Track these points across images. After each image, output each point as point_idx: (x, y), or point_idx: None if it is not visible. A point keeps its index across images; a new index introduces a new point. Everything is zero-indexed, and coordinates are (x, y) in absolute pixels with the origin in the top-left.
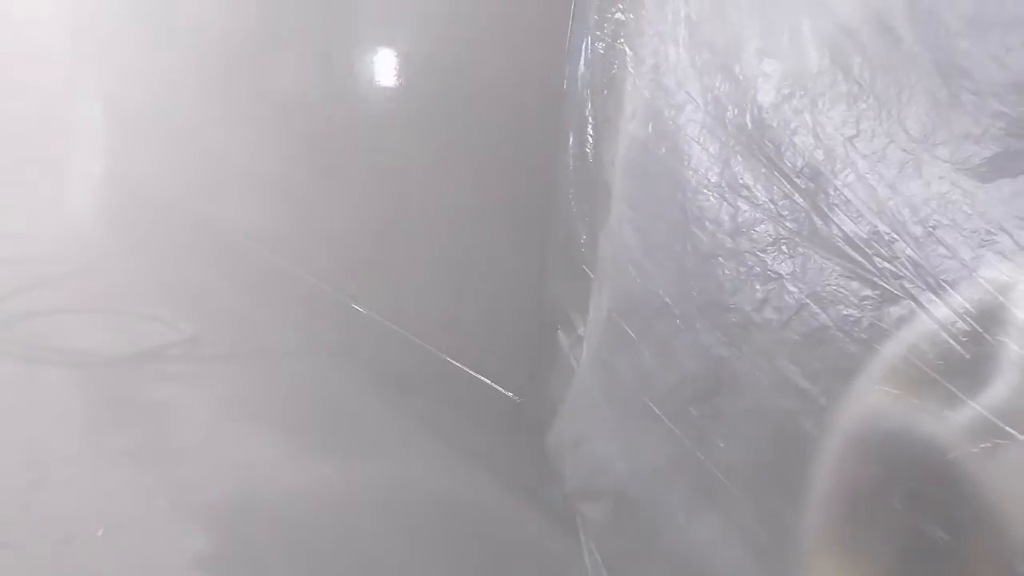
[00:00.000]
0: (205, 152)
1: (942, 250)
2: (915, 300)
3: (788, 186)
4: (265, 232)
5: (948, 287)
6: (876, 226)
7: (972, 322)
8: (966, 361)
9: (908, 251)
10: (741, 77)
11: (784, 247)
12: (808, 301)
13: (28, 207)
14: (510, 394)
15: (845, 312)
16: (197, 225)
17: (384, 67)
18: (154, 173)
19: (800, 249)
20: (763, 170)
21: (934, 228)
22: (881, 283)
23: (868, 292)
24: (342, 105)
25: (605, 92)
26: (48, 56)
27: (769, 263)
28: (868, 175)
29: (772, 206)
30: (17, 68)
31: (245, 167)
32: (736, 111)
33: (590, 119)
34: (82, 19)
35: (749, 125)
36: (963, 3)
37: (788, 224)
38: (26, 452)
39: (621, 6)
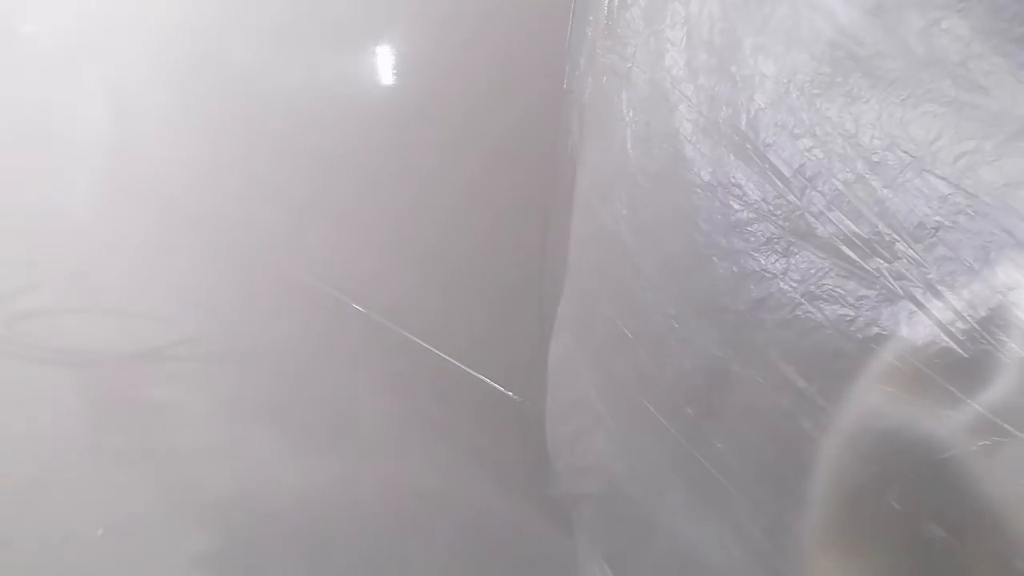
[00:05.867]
0: (206, 150)
1: (943, 251)
2: (915, 300)
3: (782, 185)
4: (266, 232)
5: (949, 287)
6: (876, 226)
7: (973, 322)
8: (966, 361)
9: (909, 251)
10: (738, 77)
11: (778, 246)
12: (803, 300)
13: (28, 207)
14: (510, 394)
15: (841, 312)
16: (198, 224)
17: (381, 67)
18: (155, 172)
19: (794, 248)
20: (756, 169)
21: (936, 229)
22: (881, 283)
23: (865, 292)
24: (337, 106)
25: (604, 92)
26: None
27: (763, 262)
28: (867, 175)
29: (765, 205)
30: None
31: (245, 166)
32: (731, 111)
33: (589, 119)
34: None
35: (743, 125)
36: (976, 13)
37: (781, 223)
38: (26, 452)
39: (621, 5)
